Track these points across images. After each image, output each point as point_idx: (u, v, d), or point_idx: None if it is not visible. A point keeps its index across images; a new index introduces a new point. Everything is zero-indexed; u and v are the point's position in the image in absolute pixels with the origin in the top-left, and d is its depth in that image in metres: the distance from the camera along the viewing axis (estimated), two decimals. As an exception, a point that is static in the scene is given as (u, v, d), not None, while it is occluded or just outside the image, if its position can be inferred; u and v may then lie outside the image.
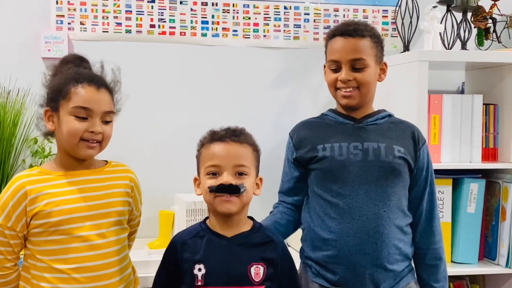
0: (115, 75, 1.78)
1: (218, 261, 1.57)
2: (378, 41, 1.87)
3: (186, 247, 1.60)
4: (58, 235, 1.64)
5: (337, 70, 1.85)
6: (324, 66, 1.93)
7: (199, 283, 1.55)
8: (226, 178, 1.57)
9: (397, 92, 2.40)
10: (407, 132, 1.89)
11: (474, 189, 2.44)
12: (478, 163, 2.46)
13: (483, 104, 2.49)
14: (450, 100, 2.45)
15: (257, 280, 1.57)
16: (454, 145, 2.45)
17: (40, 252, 1.66)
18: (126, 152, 2.38)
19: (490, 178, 2.51)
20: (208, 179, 1.60)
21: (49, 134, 1.76)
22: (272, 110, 2.72)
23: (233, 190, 1.57)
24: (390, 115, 1.93)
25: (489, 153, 2.52)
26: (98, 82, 1.69)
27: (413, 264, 1.89)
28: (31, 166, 2.45)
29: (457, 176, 2.44)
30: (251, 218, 1.69)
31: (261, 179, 1.67)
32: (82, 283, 1.64)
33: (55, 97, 1.68)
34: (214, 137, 1.64)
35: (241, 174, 1.59)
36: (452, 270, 2.34)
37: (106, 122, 1.69)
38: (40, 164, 2.40)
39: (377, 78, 1.88)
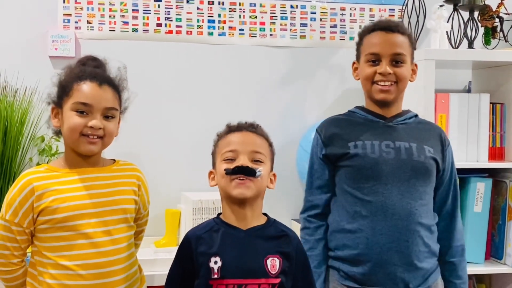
0: (121, 73, 1.79)
1: (235, 253, 1.57)
2: (412, 42, 1.92)
3: (201, 241, 1.59)
4: (64, 232, 1.65)
5: (375, 63, 1.86)
6: (354, 63, 1.94)
7: (215, 276, 1.54)
8: (243, 160, 1.58)
9: (404, 91, 2.39)
10: (434, 133, 1.92)
11: (480, 188, 2.43)
12: (484, 162, 2.46)
13: (490, 103, 2.49)
14: (457, 99, 2.45)
15: (273, 273, 1.57)
16: (461, 144, 2.44)
17: (46, 248, 1.67)
18: (132, 150, 2.38)
19: (496, 177, 2.51)
20: (224, 163, 1.60)
21: (59, 132, 1.78)
22: (279, 108, 2.72)
23: (249, 172, 1.57)
24: (416, 115, 1.95)
25: (496, 152, 2.52)
26: (101, 78, 1.70)
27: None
28: (38, 164, 2.46)
29: (464, 175, 2.44)
30: (265, 214, 1.68)
31: (274, 175, 1.68)
32: (87, 280, 1.64)
33: (60, 95, 1.71)
34: (231, 128, 1.66)
35: (257, 161, 1.60)
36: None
37: (108, 118, 1.70)
38: (48, 162, 2.42)
39: (410, 77, 1.91)
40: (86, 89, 1.67)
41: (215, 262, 1.55)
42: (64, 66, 1.78)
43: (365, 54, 1.88)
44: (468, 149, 2.45)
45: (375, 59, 1.86)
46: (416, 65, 1.94)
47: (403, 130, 1.88)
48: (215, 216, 1.68)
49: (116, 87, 1.74)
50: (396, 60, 1.85)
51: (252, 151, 1.60)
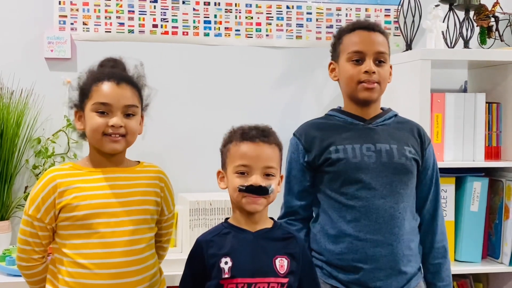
0: (138, 71, 1.82)
1: (245, 254, 1.61)
2: (389, 43, 1.91)
3: (211, 244, 1.64)
4: (82, 230, 1.67)
5: (359, 63, 1.84)
6: (331, 64, 1.93)
7: (226, 275, 1.58)
8: (256, 179, 1.61)
9: (400, 91, 2.40)
10: (413, 131, 1.90)
11: (477, 187, 2.44)
12: (481, 162, 2.46)
13: (486, 102, 2.49)
14: (452, 98, 2.45)
15: (282, 272, 1.61)
16: (457, 143, 2.45)
17: (66, 245, 1.68)
18: (127, 152, 2.38)
19: (493, 176, 2.51)
20: (237, 177, 1.63)
21: (84, 135, 1.79)
22: (275, 109, 2.72)
23: (262, 191, 1.61)
24: (396, 115, 1.94)
25: (492, 152, 2.52)
26: (118, 77, 1.72)
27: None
28: (34, 166, 2.46)
29: (460, 175, 2.44)
30: (271, 218, 1.73)
31: (282, 177, 1.71)
32: (103, 279, 1.65)
33: (81, 98, 1.74)
34: (244, 136, 1.66)
35: (268, 175, 1.63)
36: (456, 268, 2.34)
37: (129, 116, 1.71)
38: (44, 164, 2.42)
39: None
40: (104, 89, 1.69)
41: (226, 263, 1.60)
42: (85, 70, 1.80)
43: (347, 52, 1.86)
44: (464, 149, 2.45)
45: (359, 58, 1.84)
46: (391, 66, 1.92)
47: (383, 132, 1.86)
48: (222, 219, 1.73)
49: (134, 84, 1.76)
50: (379, 60, 1.84)
51: (264, 166, 1.63)
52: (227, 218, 1.71)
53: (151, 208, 1.76)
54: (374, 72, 1.82)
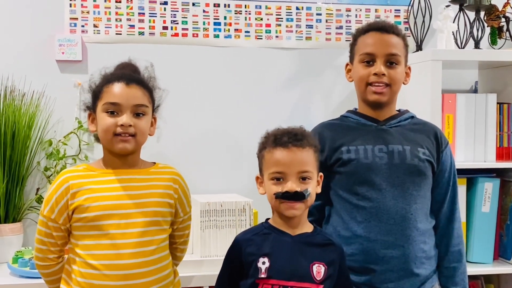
0: (148, 72, 1.84)
1: (283, 256, 1.61)
2: (407, 44, 1.91)
3: (250, 243, 1.65)
4: (94, 231, 1.68)
5: (370, 64, 1.84)
6: (347, 65, 1.93)
7: (263, 275, 1.59)
8: (291, 186, 1.61)
9: (411, 92, 2.39)
10: (430, 133, 1.89)
11: (488, 188, 2.43)
12: (492, 162, 2.46)
13: (497, 103, 2.48)
14: (463, 99, 2.45)
15: (318, 279, 1.61)
16: (468, 144, 2.44)
17: (79, 246, 1.70)
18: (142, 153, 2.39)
19: (504, 177, 2.50)
20: (273, 184, 1.63)
21: (96, 139, 1.83)
22: (285, 110, 2.72)
23: (298, 197, 1.61)
24: (412, 117, 1.93)
25: (503, 152, 2.51)
26: (128, 78, 1.74)
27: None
28: (46, 168, 2.47)
29: (471, 176, 2.43)
30: (311, 222, 1.73)
31: (321, 176, 1.71)
32: (112, 280, 1.66)
33: (93, 100, 1.77)
34: (277, 142, 1.65)
35: (304, 179, 1.63)
36: (467, 269, 2.32)
37: (139, 116, 1.73)
38: (55, 166, 2.43)
39: (403, 80, 1.89)
40: (114, 89, 1.72)
41: (263, 263, 1.60)
42: (96, 73, 1.81)
43: (359, 54, 1.86)
44: (476, 149, 2.44)
45: (370, 60, 1.84)
46: (409, 68, 1.92)
47: (397, 133, 1.86)
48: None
49: (145, 85, 1.78)
50: (391, 61, 1.83)
51: (299, 171, 1.62)
52: (267, 219, 1.71)
53: (164, 210, 1.76)
54: (384, 74, 1.82)
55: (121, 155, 1.75)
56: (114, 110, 1.70)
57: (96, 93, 1.75)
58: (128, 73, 1.77)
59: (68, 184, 1.71)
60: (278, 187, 1.62)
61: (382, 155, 1.81)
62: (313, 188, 1.65)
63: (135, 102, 1.72)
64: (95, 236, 1.68)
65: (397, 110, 1.93)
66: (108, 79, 1.75)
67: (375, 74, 1.82)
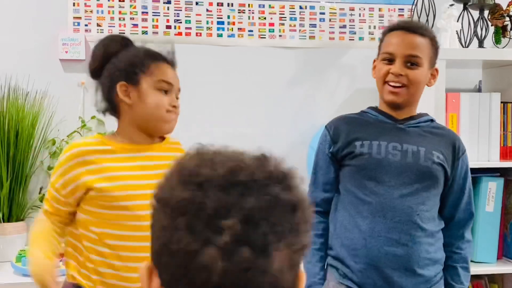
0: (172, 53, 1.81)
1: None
2: (435, 45, 1.87)
3: None
4: (111, 210, 1.61)
5: (390, 63, 1.83)
6: (374, 61, 1.92)
7: None
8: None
9: (418, 95, 2.38)
10: (448, 139, 1.86)
11: (492, 187, 2.43)
12: (496, 162, 2.45)
13: (501, 102, 2.48)
14: (467, 98, 2.44)
15: None
16: (472, 143, 2.43)
17: (93, 223, 1.63)
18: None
19: (508, 176, 2.49)
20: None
21: (107, 111, 1.72)
22: (288, 110, 2.72)
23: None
24: (432, 120, 1.92)
25: (507, 152, 2.50)
26: (171, 61, 1.75)
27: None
28: (49, 167, 2.47)
29: (475, 175, 2.42)
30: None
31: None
32: (124, 261, 1.61)
33: (134, 72, 1.67)
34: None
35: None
36: (471, 269, 2.32)
37: (177, 99, 1.74)
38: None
39: (427, 81, 1.86)
40: (167, 69, 1.72)
41: None
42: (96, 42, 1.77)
43: (382, 52, 1.86)
44: (479, 149, 2.44)
45: (390, 59, 1.83)
46: (437, 69, 1.88)
47: (414, 134, 1.84)
48: None
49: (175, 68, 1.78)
50: (411, 62, 1.81)
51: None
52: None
53: None
54: (401, 75, 1.80)
55: (163, 134, 1.75)
56: (167, 89, 1.69)
57: (141, 66, 1.67)
58: (170, 55, 1.76)
59: (82, 158, 1.62)
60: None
61: (396, 153, 1.80)
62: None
63: (179, 86, 1.75)
64: (111, 215, 1.61)
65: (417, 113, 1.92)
66: (153, 56, 1.70)
67: (392, 73, 1.82)
